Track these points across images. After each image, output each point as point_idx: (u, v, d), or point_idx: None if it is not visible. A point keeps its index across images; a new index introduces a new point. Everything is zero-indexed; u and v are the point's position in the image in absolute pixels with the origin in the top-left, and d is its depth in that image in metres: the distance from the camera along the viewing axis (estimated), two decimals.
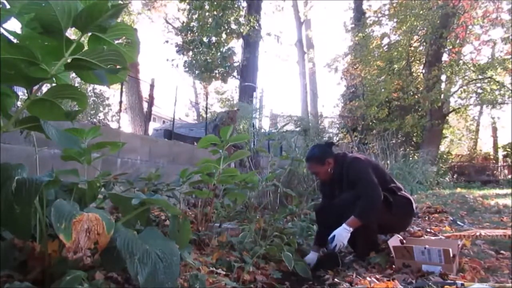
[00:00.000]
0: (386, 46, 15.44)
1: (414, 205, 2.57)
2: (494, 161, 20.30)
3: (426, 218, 4.26)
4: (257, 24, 11.56)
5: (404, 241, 2.43)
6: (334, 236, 2.17)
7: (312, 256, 2.37)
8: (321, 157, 2.51)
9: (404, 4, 14.05)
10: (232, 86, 19.36)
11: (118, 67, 1.28)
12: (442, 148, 17.61)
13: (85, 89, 10.52)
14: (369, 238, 2.40)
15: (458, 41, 13.79)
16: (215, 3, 10.67)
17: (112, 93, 13.56)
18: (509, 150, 17.85)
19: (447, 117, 15.77)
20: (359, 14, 16.76)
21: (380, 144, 8.53)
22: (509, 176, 17.02)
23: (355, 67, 16.06)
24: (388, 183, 2.46)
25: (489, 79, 13.54)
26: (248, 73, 12.09)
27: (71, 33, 1.82)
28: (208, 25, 10.67)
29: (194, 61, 11.08)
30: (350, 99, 16.97)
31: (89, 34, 1.30)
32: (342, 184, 2.45)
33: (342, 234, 2.16)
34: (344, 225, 2.17)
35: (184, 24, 11.78)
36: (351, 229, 2.16)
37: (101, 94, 13.17)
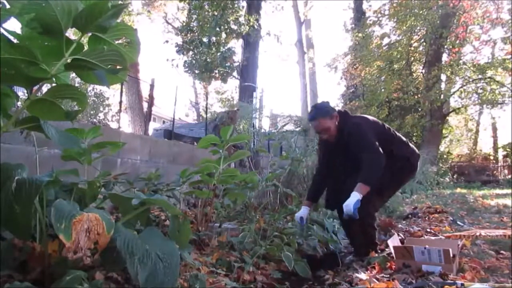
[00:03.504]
0: (386, 46, 15.44)
1: (415, 159, 2.54)
2: (494, 161, 20.30)
3: (426, 218, 4.27)
4: (257, 24, 11.55)
5: (404, 241, 2.44)
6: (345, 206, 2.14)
7: (303, 211, 2.48)
8: (329, 110, 2.43)
9: (404, 4, 14.05)
10: (232, 86, 19.34)
11: (118, 67, 1.28)
12: (442, 148, 17.62)
13: (85, 89, 10.51)
14: (367, 237, 2.39)
15: (458, 41, 13.80)
16: (215, 3, 10.66)
17: (112, 93, 13.56)
18: (509, 150, 17.85)
19: (447, 117, 15.77)
20: (359, 14, 16.77)
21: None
22: (509, 176, 17.03)
23: (355, 67, 16.06)
24: (389, 144, 2.41)
25: (489, 79, 13.54)
26: (248, 73, 12.08)
27: (71, 33, 1.82)
28: (208, 25, 10.66)
29: (194, 61, 11.06)
30: (350, 99, 16.98)
31: (89, 34, 1.30)
32: (343, 148, 2.41)
33: (351, 203, 2.12)
34: (353, 193, 2.14)
35: (184, 24, 11.77)
36: (361, 196, 2.13)
37: (101, 94, 13.16)
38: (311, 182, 2.87)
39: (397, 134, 2.56)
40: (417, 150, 2.61)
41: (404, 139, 2.57)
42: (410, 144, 2.60)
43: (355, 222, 2.27)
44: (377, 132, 2.38)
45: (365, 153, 2.24)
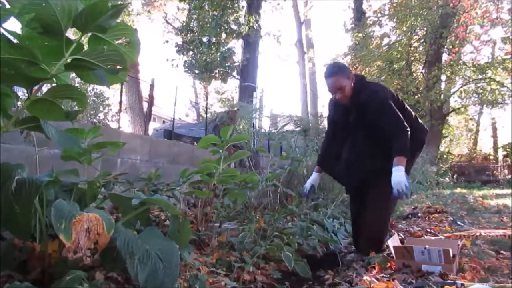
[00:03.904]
0: (386, 46, 15.44)
1: (424, 134, 2.48)
2: (494, 161, 20.30)
3: (426, 218, 4.27)
4: (257, 24, 11.55)
5: (404, 241, 2.43)
6: (392, 188, 2.06)
7: (312, 177, 2.54)
8: (347, 69, 2.37)
9: (404, 4, 14.05)
10: (232, 86, 19.34)
11: (118, 67, 1.28)
12: (442, 148, 17.61)
13: (85, 89, 10.51)
14: (377, 235, 2.34)
15: (458, 41, 13.80)
16: (215, 3, 10.67)
17: (112, 93, 13.57)
18: (509, 150, 17.85)
19: (447, 117, 15.77)
20: (359, 14, 16.76)
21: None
22: (509, 176, 17.02)
23: (355, 67, 16.05)
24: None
25: (489, 79, 13.54)
26: (248, 73, 12.08)
27: (71, 33, 1.82)
28: (208, 25, 10.66)
29: (194, 61, 11.07)
30: None
31: (89, 34, 1.30)
32: (357, 114, 2.32)
33: (398, 177, 2.03)
34: (394, 168, 2.06)
35: (184, 24, 11.78)
36: (403, 168, 2.06)
37: (101, 94, 13.17)
38: (320, 150, 2.82)
39: (407, 107, 2.50)
40: (425, 125, 2.55)
41: (413, 113, 2.51)
42: (419, 119, 2.54)
43: (370, 212, 2.23)
44: (392, 101, 2.31)
45: (391, 123, 2.17)
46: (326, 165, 2.64)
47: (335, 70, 2.36)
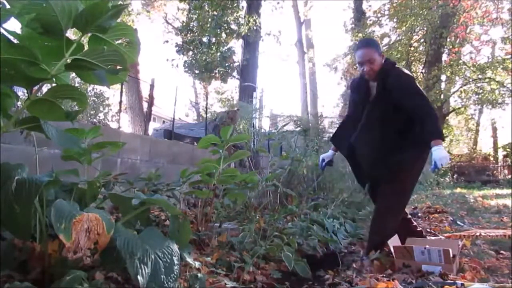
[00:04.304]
0: (386, 46, 15.44)
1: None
2: (494, 161, 20.29)
3: (426, 218, 4.27)
4: (257, 24, 11.55)
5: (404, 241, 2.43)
6: (435, 162, 2.03)
7: (327, 153, 2.62)
8: (379, 46, 2.39)
9: (404, 4, 14.05)
10: (232, 86, 19.33)
11: (118, 67, 1.28)
12: None
13: (85, 89, 10.51)
14: (387, 225, 2.29)
15: (458, 41, 13.80)
16: (215, 3, 10.66)
17: (112, 93, 13.57)
18: (509, 150, 17.85)
19: (447, 117, 15.76)
20: (359, 14, 16.75)
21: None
22: (509, 176, 17.02)
23: (355, 67, 16.05)
24: None
25: (489, 79, 13.54)
26: (248, 73, 12.07)
27: (71, 33, 1.82)
28: (208, 25, 10.66)
29: (194, 61, 11.06)
30: None
31: (89, 34, 1.30)
32: (380, 93, 2.28)
33: (442, 152, 2.02)
34: (435, 147, 2.03)
35: (184, 24, 11.77)
36: (442, 146, 2.05)
37: (101, 94, 13.18)
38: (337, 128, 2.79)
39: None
40: (437, 114, 2.53)
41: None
42: None
43: (387, 205, 2.22)
44: None
45: (420, 105, 2.14)
46: (339, 145, 2.64)
47: (369, 42, 2.42)
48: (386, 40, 15.67)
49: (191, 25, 11.26)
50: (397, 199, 2.29)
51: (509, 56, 12.84)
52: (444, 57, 14.85)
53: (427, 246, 2.02)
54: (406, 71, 2.37)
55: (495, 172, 18.58)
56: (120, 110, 7.66)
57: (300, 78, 22.72)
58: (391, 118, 2.24)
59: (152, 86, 8.48)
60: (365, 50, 2.30)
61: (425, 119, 2.12)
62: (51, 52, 1.22)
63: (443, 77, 14.49)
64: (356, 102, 2.50)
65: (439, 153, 2.03)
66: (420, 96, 2.20)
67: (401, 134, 2.23)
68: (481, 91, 14.17)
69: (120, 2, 1.30)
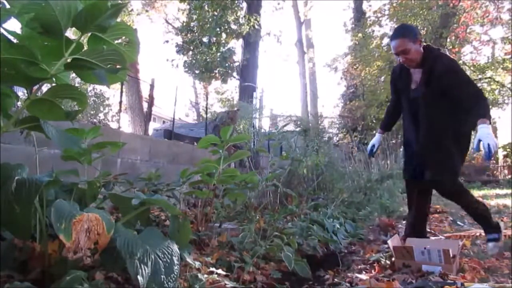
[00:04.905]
0: (386, 46, 15.44)
1: None
2: (494, 161, 20.27)
3: None
4: (257, 24, 11.55)
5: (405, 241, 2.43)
6: (479, 140, 1.94)
7: (376, 137, 2.69)
8: (414, 32, 2.29)
9: (404, 4, 14.05)
10: (232, 86, 19.33)
11: (118, 67, 1.28)
12: None
13: (85, 89, 10.52)
14: (476, 204, 2.33)
15: (458, 41, 13.79)
16: (215, 3, 10.66)
17: (112, 93, 13.59)
18: (509, 150, 17.83)
19: None
20: (359, 14, 16.77)
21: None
22: (509, 176, 17.01)
23: (355, 67, 16.06)
24: None
25: (489, 79, 13.54)
26: (248, 73, 12.08)
27: (71, 33, 1.82)
28: (208, 25, 10.66)
29: (194, 61, 11.07)
30: (350, 99, 16.98)
31: (89, 34, 1.30)
32: (424, 79, 2.24)
33: (487, 130, 1.93)
34: (481, 125, 1.95)
35: (184, 24, 11.77)
36: (489, 126, 1.96)
37: (101, 94, 13.19)
38: (384, 114, 2.93)
39: None
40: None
41: None
42: None
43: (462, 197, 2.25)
44: None
45: (468, 88, 2.11)
46: (390, 129, 2.80)
47: (402, 31, 2.30)
48: (386, 40, 15.67)
49: (191, 25, 11.26)
50: (458, 187, 2.28)
51: (509, 56, 12.83)
52: None
53: (427, 246, 2.02)
54: (449, 56, 2.38)
55: (495, 172, 18.57)
56: (120, 110, 7.66)
57: (300, 78, 22.71)
58: (437, 104, 2.22)
59: (152, 86, 8.49)
60: (398, 41, 2.25)
61: (473, 100, 2.08)
62: (50, 51, 1.22)
63: None
64: (398, 89, 2.50)
65: (484, 130, 1.94)
66: (469, 84, 2.16)
67: (448, 118, 2.21)
68: None
69: (119, 1, 1.30)
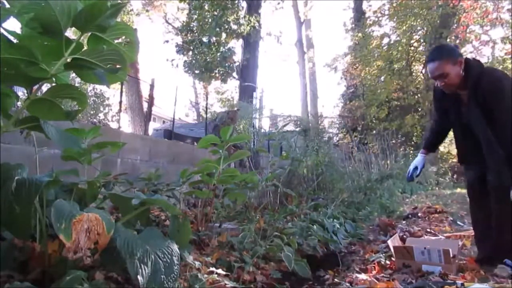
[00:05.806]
0: (386, 46, 15.44)
1: None
2: None
3: (426, 218, 4.26)
4: (257, 24, 11.55)
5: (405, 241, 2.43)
6: None
7: (419, 159, 2.41)
8: (454, 53, 2.01)
9: (404, 4, 14.05)
10: (232, 86, 19.32)
11: (117, 66, 1.28)
12: (442, 148, 17.60)
13: (85, 89, 10.51)
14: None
15: (458, 41, 13.78)
16: (215, 3, 10.67)
17: (112, 93, 13.55)
18: None
19: None
20: (359, 14, 16.76)
21: (380, 144, 8.54)
22: None
23: (355, 67, 16.06)
24: None
25: None
26: (248, 73, 12.08)
27: (71, 33, 1.83)
28: (208, 25, 10.67)
29: (194, 61, 11.07)
30: (350, 99, 16.98)
31: (89, 33, 1.30)
32: (470, 101, 1.99)
33: None
34: None
35: (184, 24, 11.78)
36: None
37: (101, 94, 13.16)
38: (428, 133, 2.69)
39: None
40: None
41: None
42: None
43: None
44: None
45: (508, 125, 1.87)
46: (434, 150, 2.55)
47: (439, 53, 2.04)
48: (386, 40, 15.69)
49: (191, 25, 11.27)
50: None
51: (509, 56, 12.83)
52: None
53: (427, 246, 2.02)
54: (499, 73, 2.07)
55: None
56: (120, 110, 7.66)
57: (300, 78, 22.70)
58: (486, 122, 1.98)
59: (152, 86, 8.49)
60: (435, 63, 2.00)
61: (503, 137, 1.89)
62: (50, 51, 1.22)
63: None
64: (443, 109, 2.26)
65: None
66: (509, 112, 1.90)
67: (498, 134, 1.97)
68: None
69: (119, 1, 1.30)
